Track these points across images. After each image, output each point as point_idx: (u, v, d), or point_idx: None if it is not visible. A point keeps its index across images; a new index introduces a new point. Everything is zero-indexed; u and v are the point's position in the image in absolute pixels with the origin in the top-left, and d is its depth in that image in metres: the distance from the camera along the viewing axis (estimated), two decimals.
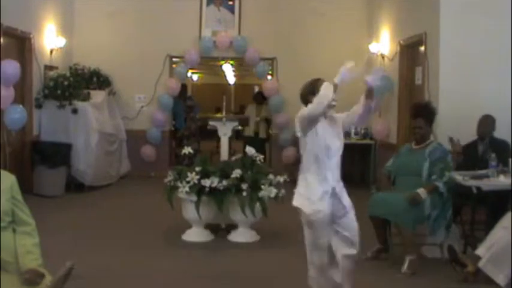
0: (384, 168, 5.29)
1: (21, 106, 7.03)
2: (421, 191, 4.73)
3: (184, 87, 10.78)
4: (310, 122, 3.64)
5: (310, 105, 3.63)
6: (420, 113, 5.13)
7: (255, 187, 5.49)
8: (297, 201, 3.76)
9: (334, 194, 3.75)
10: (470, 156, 5.52)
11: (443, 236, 4.91)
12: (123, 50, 9.58)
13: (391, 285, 4.56)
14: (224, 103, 7.26)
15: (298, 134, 3.79)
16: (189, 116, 10.83)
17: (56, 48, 8.66)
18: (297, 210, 3.78)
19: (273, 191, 5.56)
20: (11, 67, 6.83)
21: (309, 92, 3.81)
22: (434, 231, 4.88)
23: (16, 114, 6.76)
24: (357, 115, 3.87)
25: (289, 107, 9.54)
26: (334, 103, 3.66)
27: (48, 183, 7.74)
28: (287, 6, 9.79)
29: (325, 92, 3.56)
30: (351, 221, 3.77)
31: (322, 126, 3.68)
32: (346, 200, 3.82)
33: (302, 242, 3.85)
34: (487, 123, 5.66)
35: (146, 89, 9.69)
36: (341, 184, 3.86)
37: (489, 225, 4.77)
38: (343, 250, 3.72)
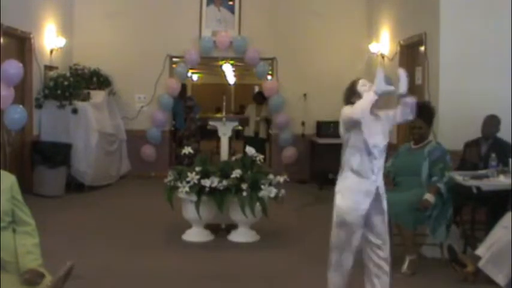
0: (383, 169, 5.28)
1: (21, 106, 7.03)
2: (429, 196, 4.73)
3: (184, 87, 10.78)
4: (353, 122, 3.61)
5: (353, 106, 3.63)
6: (419, 114, 5.12)
7: (255, 187, 5.49)
8: (336, 198, 3.70)
9: (377, 195, 3.66)
10: (472, 155, 5.54)
11: (444, 235, 4.91)
12: (123, 50, 9.58)
13: (391, 285, 4.55)
14: (224, 103, 7.26)
15: (341, 130, 3.73)
16: (189, 116, 10.83)
17: (56, 48, 8.66)
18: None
19: (273, 191, 5.56)
20: (14, 67, 6.84)
21: (351, 93, 3.84)
22: (435, 231, 4.88)
23: (16, 114, 6.76)
24: (399, 111, 3.80)
25: (289, 107, 9.56)
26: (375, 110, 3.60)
27: (48, 183, 7.74)
28: (287, 6, 9.80)
29: (365, 99, 3.59)
30: (384, 228, 3.72)
31: (367, 124, 3.61)
32: (385, 204, 3.73)
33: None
34: (492, 123, 5.63)
35: (146, 89, 9.69)
36: (383, 185, 3.74)
37: (490, 225, 4.77)
38: (375, 259, 3.72)
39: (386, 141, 3.73)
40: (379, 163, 3.68)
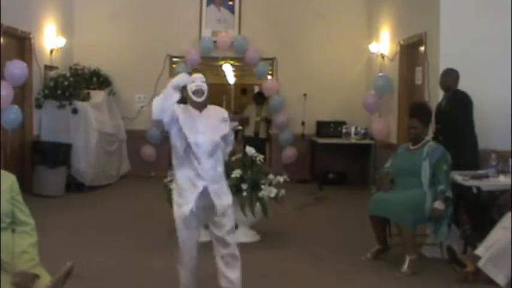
0: (382, 169, 5.28)
1: (16, 106, 7.04)
2: (438, 204, 4.69)
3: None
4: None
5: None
6: (414, 113, 5.13)
7: (255, 187, 5.49)
8: None
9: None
10: (435, 109, 5.64)
11: (445, 235, 4.91)
12: (123, 50, 9.59)
13: (391, 285, 4.56)
14: (224, 103, 7.26)
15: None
16: None
17: (56, 48, 8.66)
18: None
19: (273, 191, 5.56)
20: (19, 67, 6.87)
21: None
22: (437, 230, 4.88)
23: (11, 114, 6.76)
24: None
25: (289, 107, 9.55)
26: None
27: (48, 183, 7.75)
28: (287, 6, 9.80)
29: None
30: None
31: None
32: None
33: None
34: (451, 75, 5.73)
35: (146, 89, 9.68)
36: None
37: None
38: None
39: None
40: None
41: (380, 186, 5.18)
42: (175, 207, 3.68)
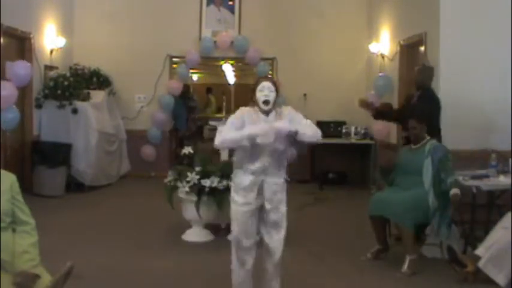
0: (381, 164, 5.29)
1: (14, 106, 7.02)
2: (455, 190, 4.66)
3: (187, 87, 10.79)
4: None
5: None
6: (412, 114, 5.15)
7: None
8: None
9: None
10: (408, 107, 5.72)
11: (446, 234, 4.91)
12: (123, 50, 9.58)
13: (391, 285, 4.56)
14: (224, 103, 7.26)
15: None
16: (190, 117, 10.86)
17: (56, 48, 8.66)
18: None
19: None
20: (23, 68, 6.86)
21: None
22: (438, 229, 4.88)
23: (9, 114, 6.74)
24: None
25: None
26: None
27: (48, 183, 7.74)
28: (287, 6, 9.80)
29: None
30: None
31: None
32: None
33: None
34: (425, 73, 5.78)
35: (146, 89, 9.69)
36: None
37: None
38: None
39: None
40: None
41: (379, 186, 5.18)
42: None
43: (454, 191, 4.68)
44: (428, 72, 5.82)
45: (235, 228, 3.76)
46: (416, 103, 5.68)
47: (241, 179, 3.72)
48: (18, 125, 7.18)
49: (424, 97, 5.66)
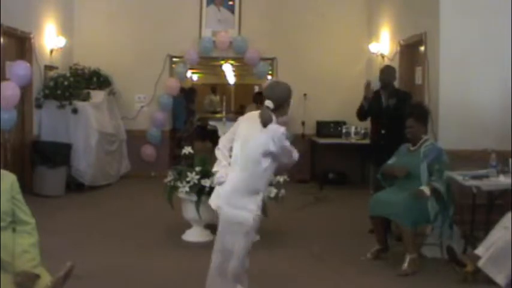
0: (385, 165, 5.27)
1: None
2: (425, 189, 4.75)
3: (193, 90, 10.81)
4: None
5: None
6: (410, 113, 5.15)
7: None
8: None
9: None
10: (376, 105, 6.04)
11: (447, 235, 4.91)
12: (123, 50, 9.58)
13: (391, 285, 4.56)
14: (224, 103, 7.26)
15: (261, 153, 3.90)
16: (189, 120, 10.89)
17: (56, 48, 8.66)
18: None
19: (273, 191, 5.56)
20: (23, 68, 6.85)
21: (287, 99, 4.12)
22: (441, 230, 4.88)
23: (5, 114, 6.74)
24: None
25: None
26: None
27: (48, 183, 7.74)
28: (287, 6, 9.80)
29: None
30: None
31: None
32: None
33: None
34: (388, 72, 6.18)
35: (146, 89, 9.69)
36: None
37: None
38: None
39: None
40: None
41: (395, 171, 5.14)
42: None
43: (423, 188, 4.73)
44: (391, 71, 6.24)
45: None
46: (393, 103, 5.91)
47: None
48: (17, 125, 7.18)
49: (400, 98, 5.95)
